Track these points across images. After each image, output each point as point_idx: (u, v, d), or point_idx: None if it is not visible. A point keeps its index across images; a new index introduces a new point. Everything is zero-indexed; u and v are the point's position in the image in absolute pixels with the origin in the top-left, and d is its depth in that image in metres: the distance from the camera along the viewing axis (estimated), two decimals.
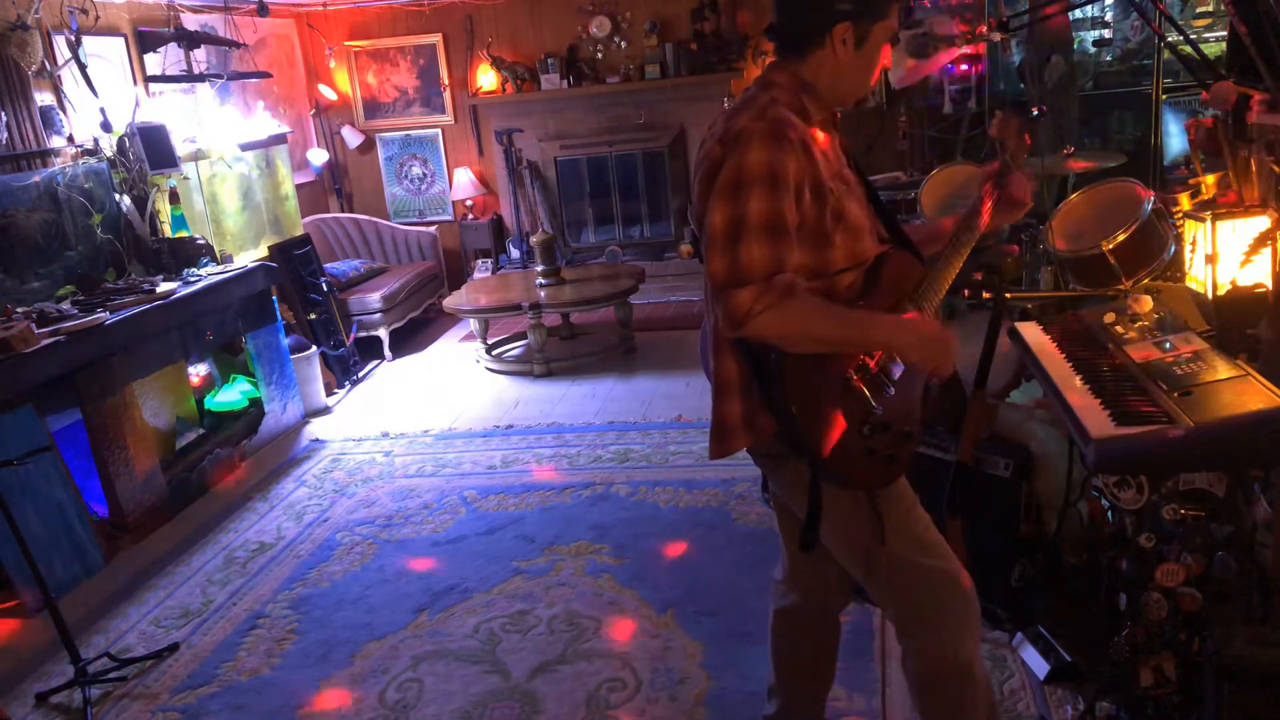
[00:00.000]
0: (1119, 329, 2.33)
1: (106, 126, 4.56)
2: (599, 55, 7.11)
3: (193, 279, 4.48)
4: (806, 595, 2.12)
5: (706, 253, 1.65)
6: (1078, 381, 2.13)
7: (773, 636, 2.19)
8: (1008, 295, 2.72)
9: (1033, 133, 2.00)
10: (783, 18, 1.75)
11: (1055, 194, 4.21)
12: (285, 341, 5.02)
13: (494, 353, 5.96)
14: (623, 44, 7.06)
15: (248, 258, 5.16)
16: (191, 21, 5.68)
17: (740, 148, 1.63)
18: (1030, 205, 1.97)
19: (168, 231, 4.83)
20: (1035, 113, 1.97)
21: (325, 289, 5.74)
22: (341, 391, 5.64)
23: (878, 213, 1.90)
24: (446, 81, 7.31)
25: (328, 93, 7.35)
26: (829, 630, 2.18)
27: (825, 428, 1.69)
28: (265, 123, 5.95)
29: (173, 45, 5.31)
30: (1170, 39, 4.05)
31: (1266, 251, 2.46)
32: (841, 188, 1.73)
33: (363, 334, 6.06)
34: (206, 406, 4.83)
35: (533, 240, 6.03)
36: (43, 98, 4.37)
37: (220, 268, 4.68)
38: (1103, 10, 5.68)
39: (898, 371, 1.77)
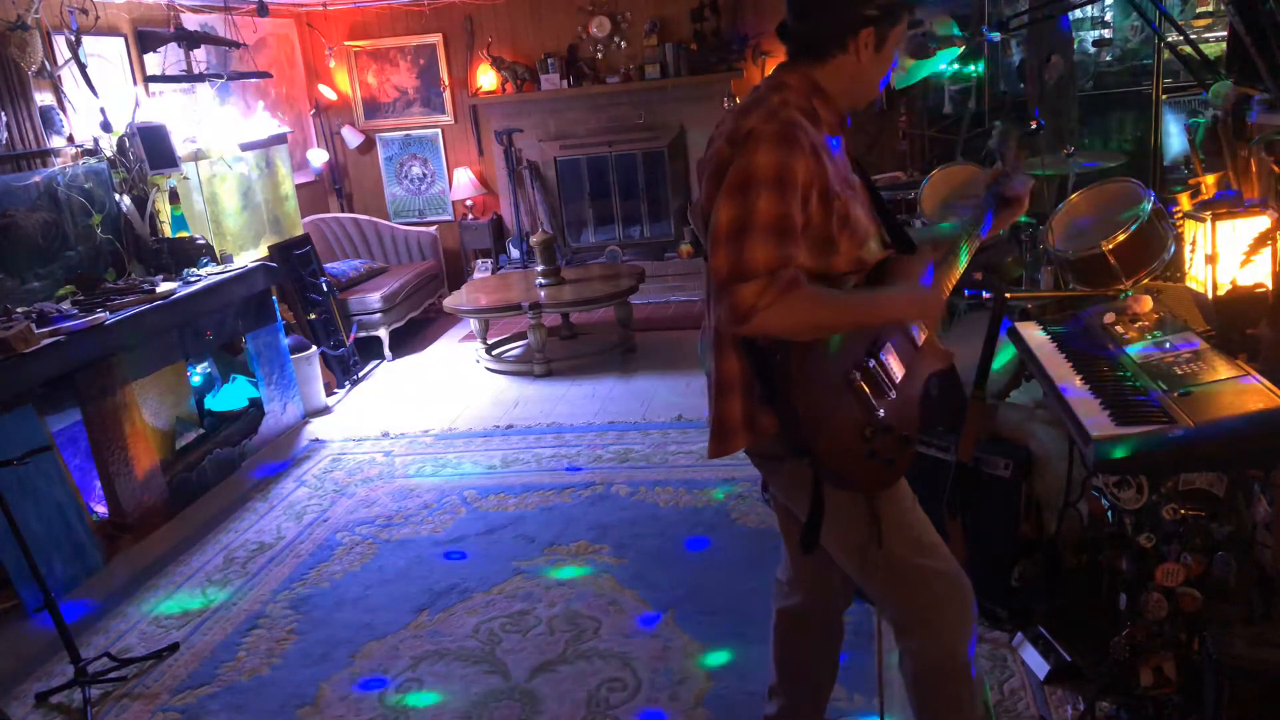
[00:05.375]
0: (1119, 329, 2.33)
1: (106, 126, 4.56)
2: (599, 55, 7.11)
3: (193, 279, 4.49)
4: (809, 595, 2.12)
5: (710, 250, 1.65)
6: (1078, 381, 2.13)
7: (775, 636, 2.19)
8: (1008, 295, 2.72)
9: (1031, 144, 2.03)
10: (805, 23, 1.73)
11: (1055, 194, 4.21)
12: (285, 341, 5.03)
13: (494, 353, 5.96)
14: (623, 44, 7.06)
15: (248, 258, 5.16)
16: (191, 21, 5.68)
17: (750, 148, 1.62)
18: (1027, 206, 1.97)
19: (168, 231, 4.83)
20: (1033, 126, 2.00)
21: (325, 289, 5.74)
22: (341, 391, 5.64)
23: (881, 217, 1.90)
24: (446, 81, 7.31)
25: (328, 93, 7.35)
26: (831, 630, 2.18)
27: (828, 429, 1.68)
28: (265, 123, 5.95)
29: (173, 45, 5.31)
30: (1170, 39, 4.05)
31: (1266, 251, 2.46)
32: (848, 192, 1.73)
33: (363, 334, 6.06)
34: (206, 406, 4.84)
35: (533, 240, 6.03)
36: (43, 98, 4.37)
37: (220, 268, 4.68)
38: (1103, 10, 5.68)
39: (899, 374, 1.78)
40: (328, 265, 6.19)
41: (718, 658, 2.81)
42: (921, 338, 1.85)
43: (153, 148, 4.63)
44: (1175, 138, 4.49)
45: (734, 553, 3.38)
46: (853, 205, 1.74)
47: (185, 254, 4.65)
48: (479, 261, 7.46)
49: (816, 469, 1.71)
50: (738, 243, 1.59)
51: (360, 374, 5.88)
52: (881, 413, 1.73)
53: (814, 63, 1.74)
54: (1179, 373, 2.02)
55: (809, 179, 1.63)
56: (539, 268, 5.85)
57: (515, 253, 7.31)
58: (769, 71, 1.90)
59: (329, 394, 5.46)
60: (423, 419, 5.07)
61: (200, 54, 5.64)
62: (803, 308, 1.60)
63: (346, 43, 7.32)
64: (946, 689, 1.87)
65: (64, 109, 4.47)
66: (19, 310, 3.80)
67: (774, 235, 1.59)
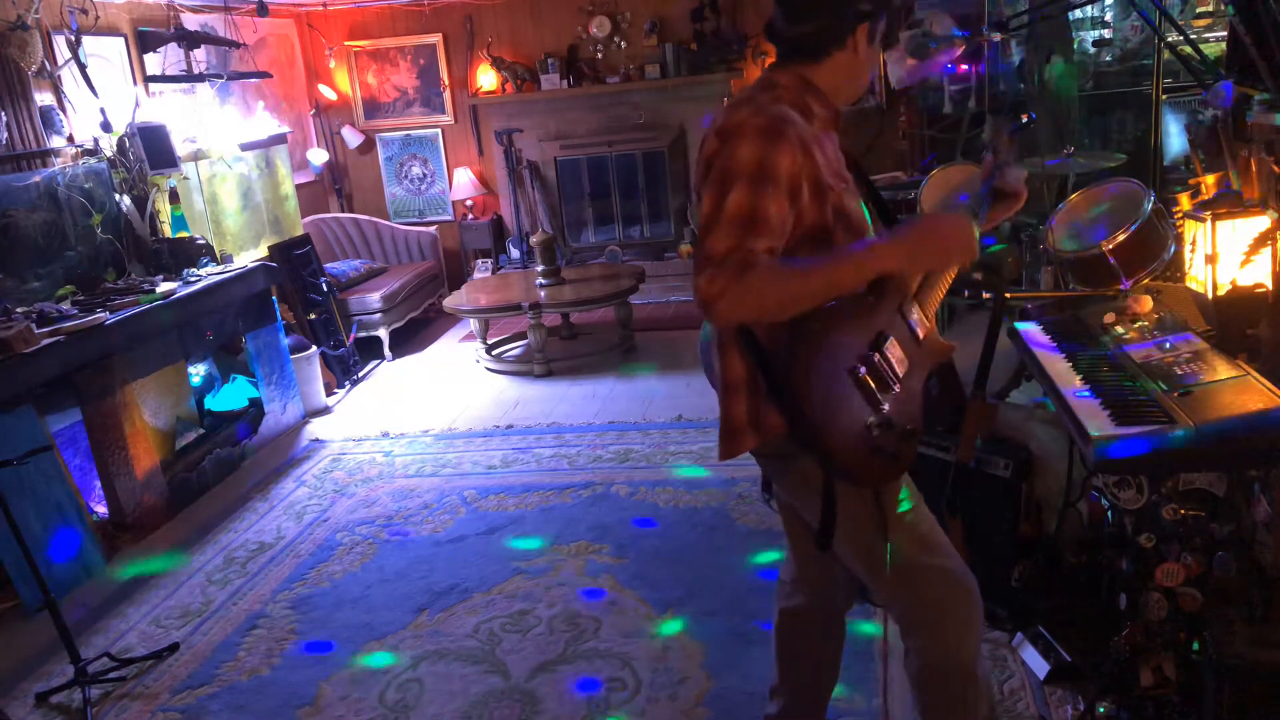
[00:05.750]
0: (1119, 329, 2.33)
1: (106, 126, 4.56)
2: (599, 55, 7.11)
3: (193, 279, 4.49)
4: (813, 594, 2.12)
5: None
6: (1078, 381, 2.13)
7: (777, 636, 2.19)
8: (1008, 295, 2.72)
9: (1022, 138, 2.03)
10: (804, 25, 1.73)
11: (1055, 194, 4.21)
12: (285, 341, 5.03)
13: (494, 353, 5.96)
14: (623, 44, 7.06)
15: (248, 258, 5.16)
16: (191, 21, 5.68)
17: (733, 141, 1.62)
18: (1026, 196, 1.97)
19: (168, 231, 4.83)
20: (1024, 120, 2.00)
21: (325, 289, 5.74)
22: (341, 391, 5.64)
23: (878, 212, 1.90)
24: (446, 81, 7.31)
25: (328, 93, 7.35)
26: (834, 630, 2.17)
27: (835, 426, 1.68)
28: (265, 123, 5.95)
29: (173, 45, 5.31)
30: (1170, 39, 4.05)
31: (1266, 251, 2.46)
32: (841, 185, 1.74)
33: (363, 334, 6.06)
34: (206, 406, 4.83)
35: (533, 240, 6.03)
36: (43, 98, 4.37)
37: (220, 268, 4.68)
38: (1103, 10, 5.67)
39: (903, 369, 1.78)
40: (328, 265, 6.19)
41: (718, 658, 2.81)
42: (922, 331, 1.85)
43: (153, 148, 4.63)
44: (1175, 138, 4.49)
45: (734, 553, 3.38)
46: (846, 198, 1.74)
47: (185, 254, 4.65)
48: (479, 261, 7.46)
49: (826, 466, 1.71)
50: (705, 234, 1.60)
51: (360, 374, 5.88)
52: (886, 407, 1.73)
53: (811, 63, 1.74)
54: (1179, 373, 2.02)
55: (796, 171, 1.62)
56: (539, 268, 5.85)
57: (515, 253, 7.31)
58: None
59: (329, 394, 5.46)
60: (423, 419, 5.07)
61: (200, 54, 5.64)
62: (764, 284, 1.55)
63: (346, 43, 7.32)
64: (951, 688, 1.87)
65: (64, 109, 4.47)
66: (19, 310, 3.80)
67: (737, 227, 1.57)
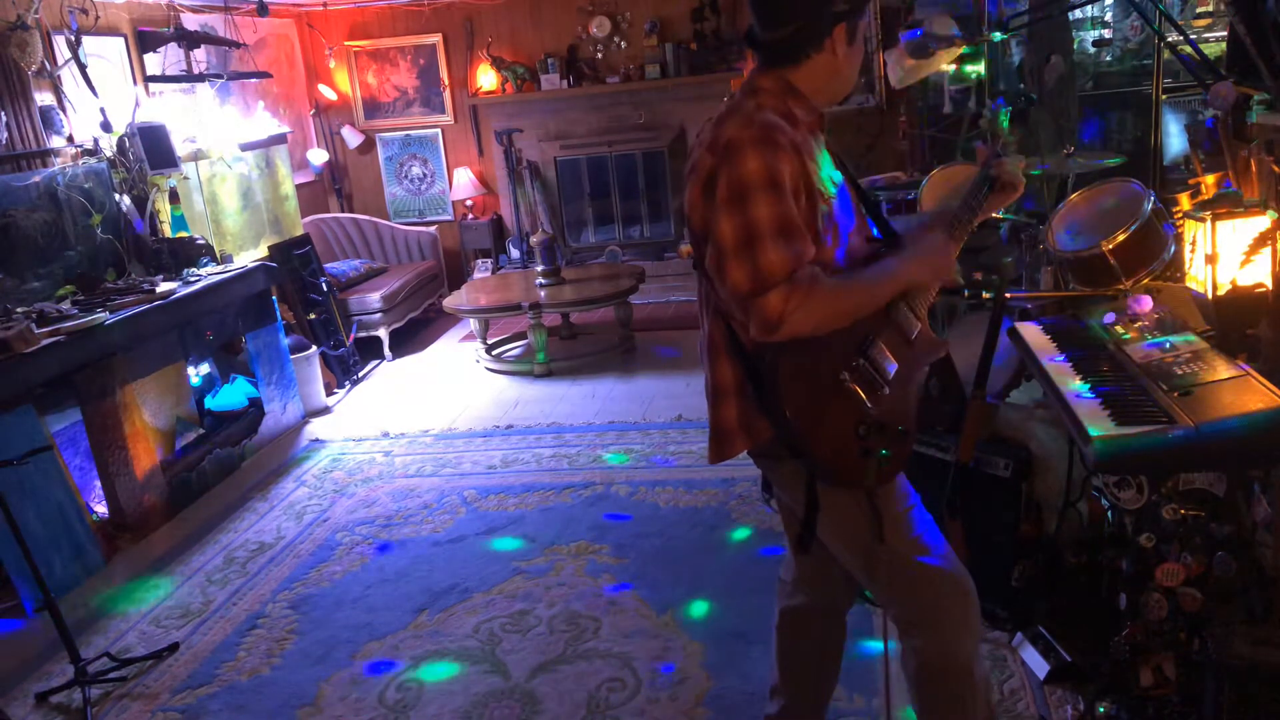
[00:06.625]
0: (1119, 329, 2.33)
1: (106, 126, 4.56)
2: (599, 55, 7.11)
3: (193, 279, 4.49)
4: (813, 594, 2.12)
5: (720, 266, 1.63)
6: (1078, 381, 2.13)
7: (778, 635, 2.19)
8: (1008, 295, 2.72)
9: (1021, 121, 2.03)
10: (779, 30, 1.73)
11: (1055, 194, 4.21)
12: (285, 341, 5.02)
13: (494, 353, 5.96)
14: (623, 44, 7.06)
15: (248, 258, 5.16)
16: (191, 21, 5.68)
17: (734, 157, 1.62)
18: (1023, 187, 1.96)
19: (168, 231, 4.83)
20: (1021, 100, 1.99)
21: (325, 289, 5.74)
22: (341, 391, 5.64)
23: (867, 212, 1.90)
24: (446, 81, 7.31)
25: (328, 93, 7.35)
26: (834, 630, 2.18)
27: (821, 430, 1.69)
28: (265, 123, 5.95)
29: (173, 45, 5.31)
30: (1170, 39, 4.05)
31: (1266, 251, 2.46)
32: (831, 189, 1.75)
33: (363, 334, 6.06)
34: (206, 406, 4.83)
35: (533, 240, 6.03)
36: (43, 98, 4.37)
37: (220, 268, 4.68)
38: (1103, 10, 5.67)
39: (892, 370, 1.78)
40: (328, 265, 6.19)
41: (718, 658, 2.81)
42: (914, 331, 1.85)
43: (153, 148, 4.63)
44: (1175, 138, 4.49)
45: (734, 552, 3.38)
46: (836, 201, 1.75)
47: (185, 254, 4.65)
48: (479, 261, 7.46)
49: (811, 469, 1.71)
50: (749, 253, 1.59)
51: (360, 374, 5.88)
52: (875, 409, 1.73)
53: (791, 66, 1.74)
54: (1179, 373, 2.02)
55: (795, 175, 1.64)
56: (539, 268, 5.85)
57: (515, 253, 7.31)
58: None
59: (329, 394, 5.46)
60: (423, 419, 5.07)
61: (200, 54, 5.64)
62: (826, 302, 1.62)
63: (346, 43, 7.32)
64: (949, 688, 1.87)
65: (64, 109, 4.47)
66: (19, 310, 3.80)
67: (781, 237, 1.59)
